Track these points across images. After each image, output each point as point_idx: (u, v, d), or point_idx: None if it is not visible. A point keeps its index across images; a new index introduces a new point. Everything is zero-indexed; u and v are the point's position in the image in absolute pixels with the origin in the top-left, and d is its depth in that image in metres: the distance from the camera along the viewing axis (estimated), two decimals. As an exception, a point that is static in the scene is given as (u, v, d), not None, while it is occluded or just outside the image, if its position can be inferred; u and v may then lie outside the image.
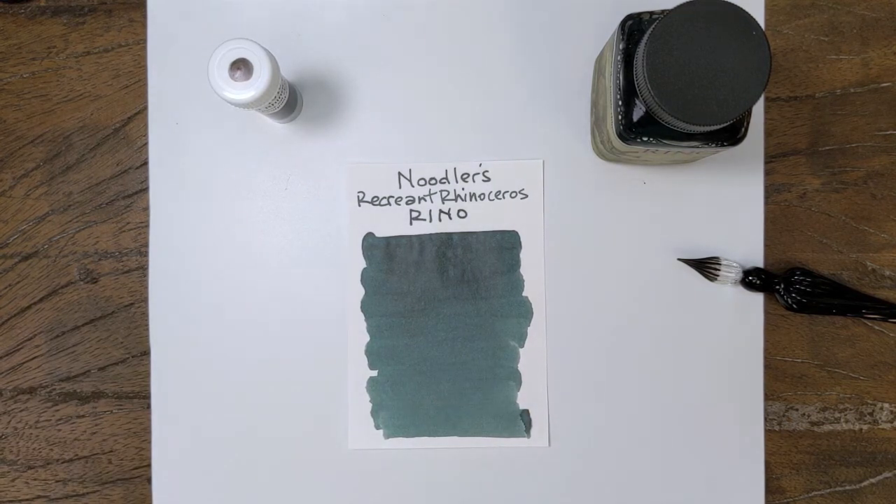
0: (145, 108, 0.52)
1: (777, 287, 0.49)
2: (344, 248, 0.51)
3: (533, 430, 0.50)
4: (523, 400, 0.51)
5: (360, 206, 0.51)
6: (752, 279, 0.49)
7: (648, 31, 0.36)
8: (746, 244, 0.50)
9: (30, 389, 0.52)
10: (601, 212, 0.50)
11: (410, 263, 0.51)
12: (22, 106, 0.52)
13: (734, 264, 0.49)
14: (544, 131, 0.51)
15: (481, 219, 0.51)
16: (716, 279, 0.49)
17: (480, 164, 0.51)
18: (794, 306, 0.49)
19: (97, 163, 0.52)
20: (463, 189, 0.51)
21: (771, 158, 0.51)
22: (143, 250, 0.52)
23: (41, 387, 0.52)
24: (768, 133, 0.51)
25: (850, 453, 0.50)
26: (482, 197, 0.51)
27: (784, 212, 0.51)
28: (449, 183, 0.51)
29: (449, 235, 0.51)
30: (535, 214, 0.50)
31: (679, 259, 0.50)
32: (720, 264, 0.49)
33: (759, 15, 0.50)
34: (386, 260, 0.51)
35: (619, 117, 0.40)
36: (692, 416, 0.50)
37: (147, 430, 0.52)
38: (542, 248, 0.51)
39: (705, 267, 0.49)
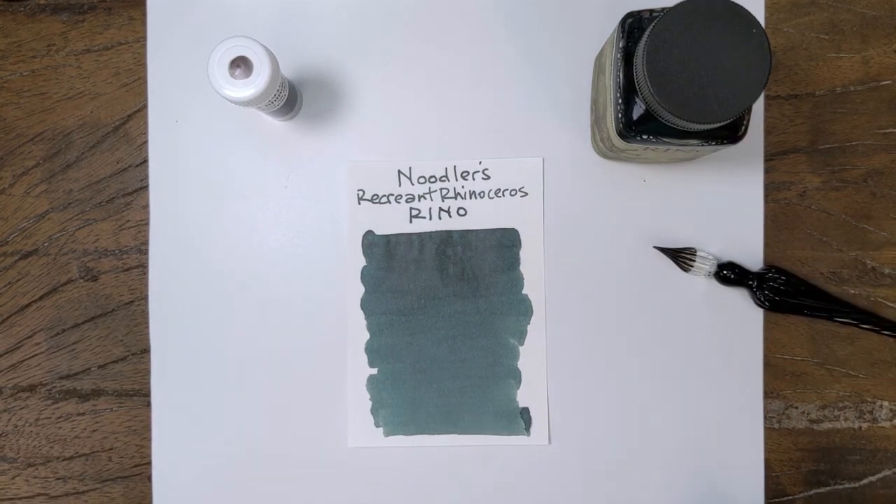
0: (145, 106, 0.52)
1: (750, 283, 0.49)
2: (344, 246, 0.51)
3: (533, 429, 0.51)
4: (523, 398, 0.51)
5: (359, 203, 0.51)
6: (727, 273, 0.49)
7: (648, 30, 0.36)
8: (746, 242, 0.50)
9: (30, 387, 0.52)
10: (601, 210, 0.50)
11: (410, 261, 0.51)
12: (22, 104, 0.52)
13: (710, 257, 0.49)
14: (544, 129, 0.51)
15: (481, 217, 0.51)
16: (689, 270, 0.49)
17: (480, 162, 0.51)
18: (766, 304, 0.49)
19: (97, 161, 0.52)
20: (463, 187, 0.51)
21: (771, 156, 0.51)
22: (143, 248, 0.52)
23: (41, 384, 0.52)
24: (768, 131, 0.51)
25: (849, 451, 0.51)
26: (482, 195, 0.51)
27: (784, 210, 0.51)
28: (449, 181, 0.51)
29: (449, 233, 0.51)
30: (535, 212, 0.50)
31: (655, 247, 0.50)
32: (695, 255, 0.49)
33: (759, 13, 0.50)
34: (386, 258, 0.51)
35: (619, 115, 0.40)
36: (692, 413, 0.50)
37: (147, 428, 0.52)
38: (542, 246, 0.51)
39: (680, 257, 0.49)
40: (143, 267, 0.52)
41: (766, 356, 0.51)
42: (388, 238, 0.51)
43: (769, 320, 0.51)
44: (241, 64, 0.43)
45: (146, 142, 0.52)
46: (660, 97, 0.35)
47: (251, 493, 0.51)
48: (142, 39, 0.52)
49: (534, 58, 0.51)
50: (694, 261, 0.49)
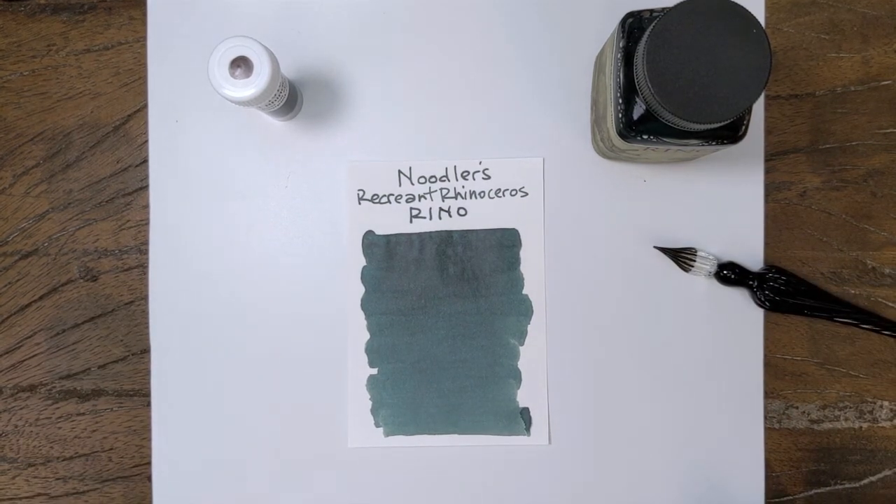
0: (145, 106, 0.52)
1: (751, 283, 0.49)
2: (344, 246, 0.51)
3: (533, 429, 0.51)
4: (523, 398, 0.51)
5: (360, 203, 0.51)
6: (727, 273, 0.49)
7: (648, 29, 0.36)
8: (746, 242, 0.50)
9: (30, 387, 0.52)
10: (601, 210, 0.50)
11: (410, 261, 0.51)
12: (22, 104, 0.52)
13: (710, 257, 0.49)
14: (544, 129, 0.51)
15: (481, 217, 0.51)
16: (690, 270, 0.49)
17: (481, 162, 0.51)
18: (767, 304, 0.49)
19: (97, 160, 0.52)
20: (463, 187, 0.51)
21: (771, 156, 0.51)
22: (143, 248, 0.52)
23: (41, 384, 0.52)
24: (768, 131, 0.51)
25: (849, 451, 0.51)
26: (482, 195, 0.51)
27: (784, 210, 0.51)
28: (449, 181, 0.51)
29: (449, 233, 0.51)
30: (536, 212, 0.50)
31: (655, 247, 0.50)
32: (696, 255, 0.49)
33: (759, 13, 0.50)
34: (386, 258, 0.51)
35: (620, 115, 0.40)
36: (692, 414, 0.50)
37: (147, 428, 0.52)
38: (543, 246, 0.51)
39: (680, 257, 0.49)
40: (143, 267, 0.52)
41: (766, 356, 0.51)
42: (388, 238, 0.51)
43: (769, 320, 0.51)
44: (241, 64, 0.43)
45: (146, 142, 0.52)
46: (660, 97, 0.35)
47: (251, 494, 0.51)
48: (142, 39, 0.52)
49: (534, 57, 0.51)
50: (694, 261, 0.49)
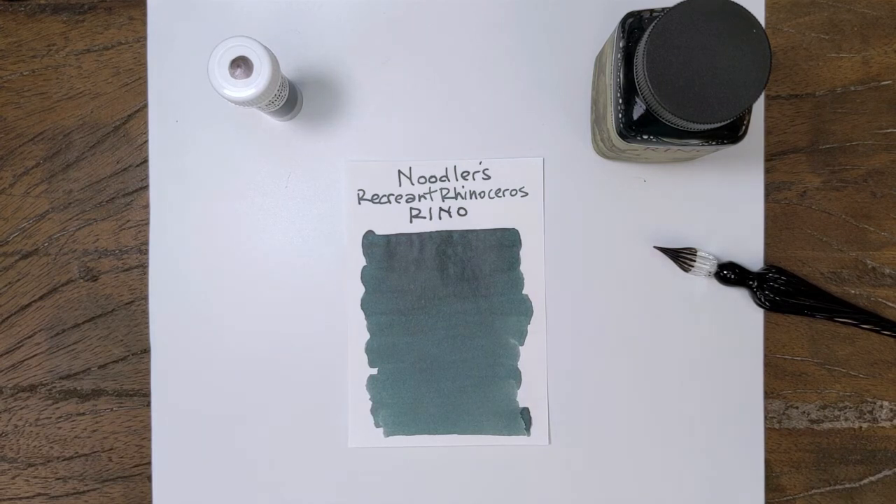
0: (145, 106, 0.52)
1: (751, 283, 0.49)
2: (344, 246, 0.51)
3: (533, 429, 0.51)
4: (523, 398, 0.51)
5: (360, 203, 0.51)
6: (727, 273, 0.49)
7: (649, 29, 0.36)
8: (746, 242, 0.50)
9: (30, 387, 0.52)
10: (601, 210, 0.50)
11: (410, 261, 0.51)
12: (22, 104, 0.52)
13: (710, 257, 0.49)
14: (544, 129, 0.51)
15: (481, 217, 0.51)
16: (690, 270, 0.49)
17: (481, 162, 0.51)
18: (767, 304, 0.49)
19: (97, 160, 0.52)
20: (463, 187, 0.51)
21: (771, 157, 0.51)
22: (143, 248, 0.52)
23: (41, 384, 0.52)
24: (768, 131, 0.51)
25: (849, 451, 0.51)
26: (482, 195, 0.51)
27: (784, 210, 0.51)
28: (449, 181, 0.51)
29: (449, 233, 0.51)
30: (536, 212, 0.51)
31: (655, 247, 0.50)
32: (695, 255, 0.49)
33: (759, 13, 0.50)
34: (386, 258, 0.51)
35: (620, 115, 0.40)
36: (692, 414, 0.50)
37: (147, 428, 0.52)
38: (543, 246, 0.51)
39: (680, 257, 0.49)
40: (143, 267, 0.52)
41: (766, 356, 0.51)
42: (388, 238, 0.51)
43: (769, 320, 0.51)
44: (241, 64, 0.43)
45: (146, 142, 0.52)
46: (660, 97, 0.35)
47: (251, 494, 0.51)
48: (142, 39, 0.52)
49: (534, 58, 0.51)
50: (694, 261, 0.49)
